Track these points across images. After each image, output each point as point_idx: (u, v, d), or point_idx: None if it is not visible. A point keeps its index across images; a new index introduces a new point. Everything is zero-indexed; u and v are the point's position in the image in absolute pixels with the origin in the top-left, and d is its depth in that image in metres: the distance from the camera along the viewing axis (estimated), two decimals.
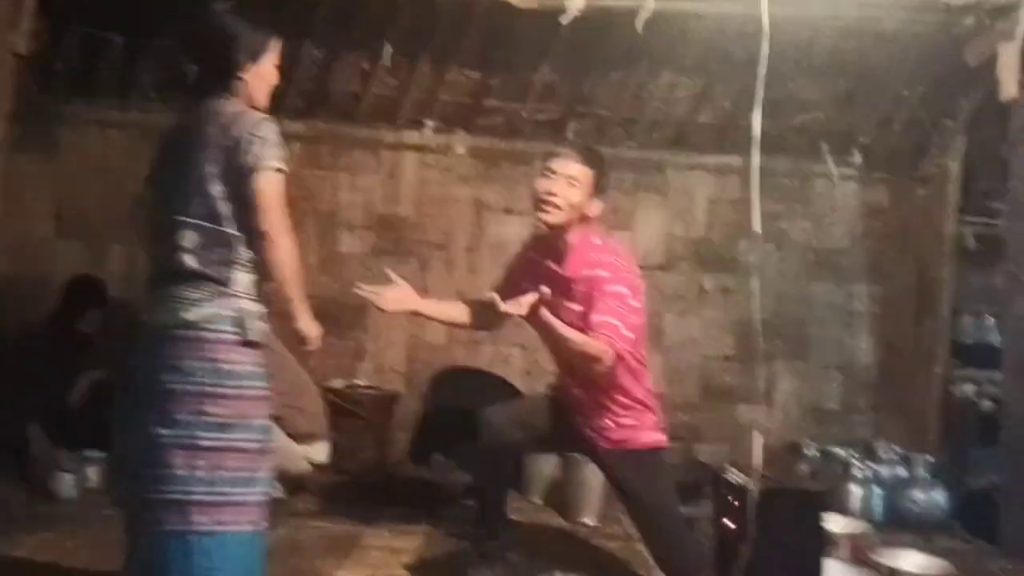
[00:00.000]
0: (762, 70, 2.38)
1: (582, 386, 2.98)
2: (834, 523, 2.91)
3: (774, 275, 5.33)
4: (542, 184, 2.89)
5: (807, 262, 5.40)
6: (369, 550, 3.36)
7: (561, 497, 4.16)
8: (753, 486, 2.35)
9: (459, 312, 3.16)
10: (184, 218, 2.27)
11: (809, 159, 5.36)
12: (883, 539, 3.66)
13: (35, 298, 4.77)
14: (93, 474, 3.87)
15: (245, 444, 2.26)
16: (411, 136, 5.26)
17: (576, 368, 2.91)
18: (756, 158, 2.53)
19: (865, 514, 4.17)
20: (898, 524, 4.29)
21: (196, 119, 2.32)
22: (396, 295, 2.91)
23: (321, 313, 5.30)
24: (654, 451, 3.04)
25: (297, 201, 5.07)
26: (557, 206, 2.87)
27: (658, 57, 4.89)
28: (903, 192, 5.41)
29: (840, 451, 4.64)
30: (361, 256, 5.16)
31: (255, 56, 2.38)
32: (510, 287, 3.09)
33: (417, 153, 5.27)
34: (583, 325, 2.79)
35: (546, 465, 4.28)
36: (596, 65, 4.95)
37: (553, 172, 2.89)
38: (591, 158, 2.94)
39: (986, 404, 4.81)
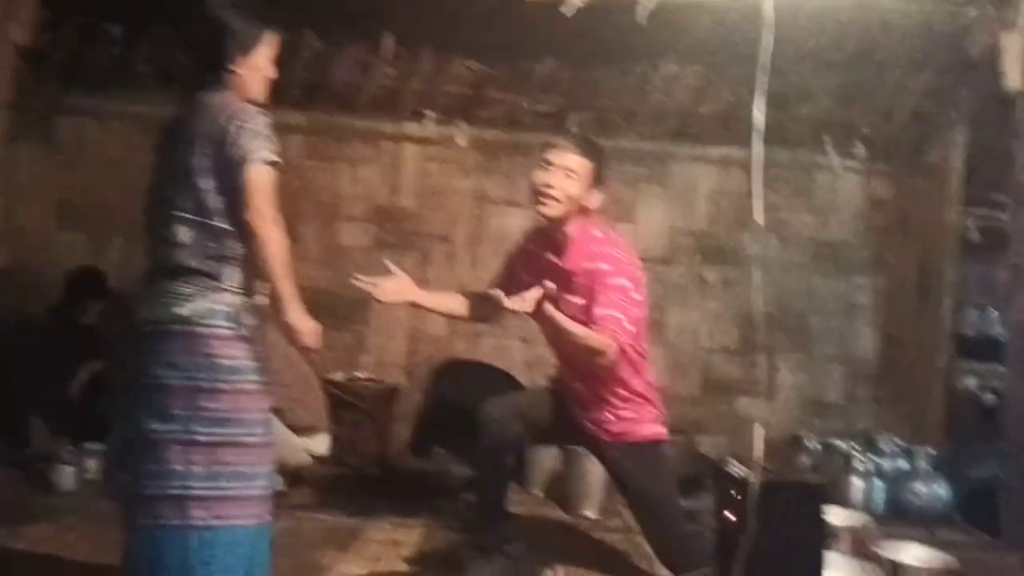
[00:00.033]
0: (764, 61, 2.36)
1: (582, 379, 2.97)
2: (835, 516, 2.90)
3: (776, 267, 5.32)
4: (540, 177, 2.88)
5: (809, 254, 5.39)
6: (369, 543, 3.36)
7: (562, 490, 4.15)
8: (754, 479, 2.34)
9: (457, 304, 3.15)
10: (176, 212, 2.26)
11: (811, 151, 5.34)
12: (884, 532, 3.65)
13: (35, 290, 4.77)
14: (93, 466, 3.87)
15: (243, 439, 2.26)
16: (412, 127, 5.25)
17: (577, 361, 2.90)
18: (758, 150, 2.51)
19: (866, 507, 4.16)
20: (899, 517, 4.29)
21: (188, 112, 2.32)
22: (394, 286, 2.90)
23: (322, 306, 5.29)
24: (654, 443, 3.04)
25: (297, 193, 5.15)
26: (555, 198, 2.85)
27: (660, 48, 4.87)
28: (905, 184, 5.39)
29: (841, 444, 4.63)
30: (362, 248, 5.16)
31: (247, 49, 2.36)
32: (510, 280, 3.08)
33: (418, 145, 5.26)
34: (584, 318, 2.78)
35: (547, 458, 4.28)
36: (598, 56, 4.93)
37: (551, 164, 2.87)
38: (589, 149, 2.92)
39: (988, 397, 4.80)
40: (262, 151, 2.22)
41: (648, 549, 3.15)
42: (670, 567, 3.00)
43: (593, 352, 2.74)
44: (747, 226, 5.22)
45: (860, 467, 4.36)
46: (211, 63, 2.35)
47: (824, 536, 2.53)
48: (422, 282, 3.11)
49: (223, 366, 2.24)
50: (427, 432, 4.77)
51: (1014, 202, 4.12)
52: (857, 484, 4.32)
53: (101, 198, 4.97)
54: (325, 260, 5.13)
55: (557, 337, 2.82)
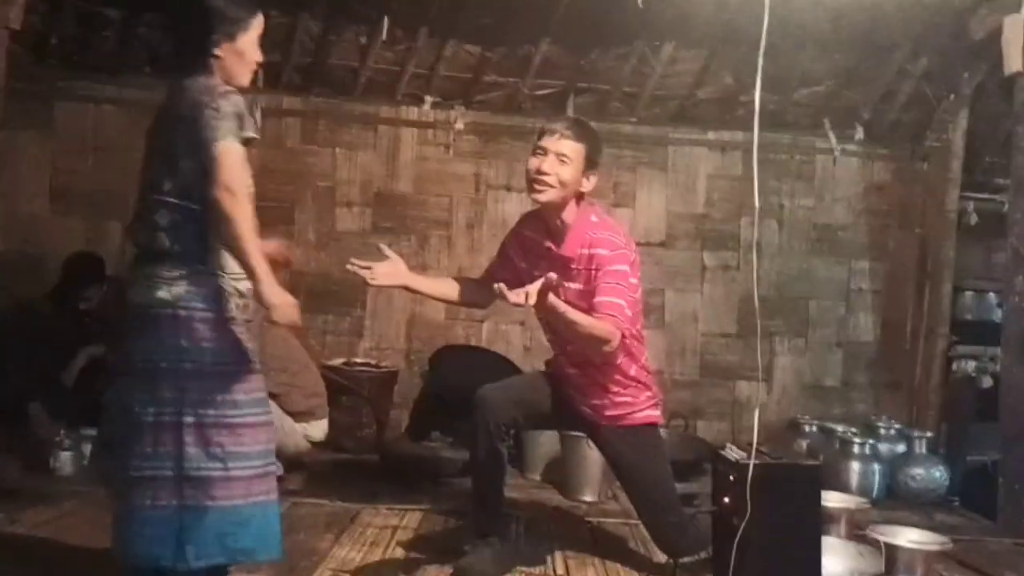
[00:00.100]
0: (763, 44, 2.34)
1: (577, 365, 2.97)
2: (833, 499, 2.91)
3: (775, 252, 5.32)
4: (532, 162, 2.86)
5: (808, 238, 5.38)
6: (366, 527, 3.36)
7: (560, 475, 4.16)
8: (751, 462, 2.34)
9: (450, 288, 3.13)
10: (160, 197, 2.27)
11: (811, 134, 5.33)
12: (882, 515, 3.67)
13: (33, 275, 4.77)
14: (90, 451, 3.87)
15: (233, 420, 2.27)
16: (410, 112, 5.24)
17: (577, 349, 2.90)
18: (757, 133, 2.50)
19: (864, 490, 4.18)
20: (897, 500, 4.31)
21: (171, 97, 2.33)
22: (386, 269, 2.88)
23: (320, 291, 5.36)
24: (650, 427, 3.03)
25: (294, 178, 5.14)
26: (549, 184, 2.83)
27: (659, 31, 4.85)
28: (905, 168, 5.38)
29: (840, 428, 4.64)
30: (360, 233, 5.15)
31: (232, 33, 2.35)
32: (505, 266, 3.07)
33: (416, 129, 5.25)
34: (583, 304, 2.77)
35: (545, 443, 4.28)
36: (597, 39, 4.91)
37: (544, 150, 2.85)
38: (582, 133, 2.89)
39: (986, 380, 4.80)
40: (231, 128, 2.20)
41: (645, 533, 3.15)
42: (667, 551, 3.01)
43: (598, 341, 2.74)
44: (746, 211, 5.22)
45: (858, 451, 4.37)
46: (196, 48, 2.35)
47: (821, 519, 2.54)
48: (420, 267, 3.11)
49: (209, 348, 2.25)
50: (425, 417, 4.76)
51: (1014, 186, 4.10)
52: (855, 468, 4.34)
53: (99, 183, 4.96)
54: (322, 245, 5.13)
55: (559, 326, 2.81)
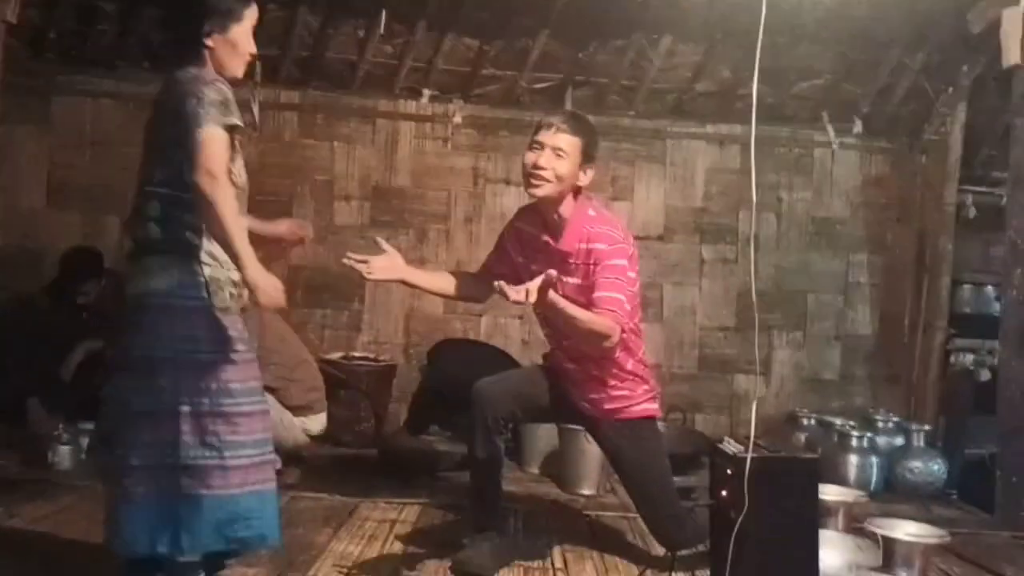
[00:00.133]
0: (761, 37, 2.33)
1: (573, 360, 2.96)
2: (831, 492, 2.91)
3: (773, 245, 5.32)
4: (529, 157, 2.85)
5: (806, 232, 5.38)
6: (365, 521, 3.36)
7: (558, 468, 4.16)
8: (748, 455, 2.34)
9: (447, 282, 3.13)
10: (153, 188, 2.29)
11: (809, 128, 5.32)
12: (880, 508, 3.67)
13: (31, 270, 4.78)
14: (87, 445, 3.87)
15: (228, 408, 2.27)
16: (408, 105, 5.23)
17: (573, 343, 2.89)
18: (755, 127, 2.50)
19: (862, 483, 4.18)
20: (895, 493, 4.32)
21: (163, 89, 2.33)
22: (383, 264, 2.88)
23: (318, 285, 5.36)
24: (647, 421, 3.04)
25: (292, 171, 5.14)
26: (545, 179, 2.83)
27: (657, 25, 4.84)
28: (903, 161, 5.38)
29: (838, 421, 4.64)
30: (358, 227, 5.15)
31: (224, 24, 2.34)
32: (503, 260, 3.06)
33: (414, 122, 5.24)
34: (582, 299, 2.77)
35: (543, 436, 4.29)
36: (595, 33, 4.91)
37: (540, 144, 2.84)
38: (578, 127, 2.88)
39: (984, 374, 4.80)
40: (214, 115, 2.20)
41: (643, 526, 3.16)
42: (665, 544, 3.01)
43: (598, 336, 2.73)
44: (745, 204, 5.22)
45: (856, 444, 4.37)
46: (187, 38, 2.35)
47: (819, 512, 2.54)
48: (418, 261, 3.11)
49: (203, 337, 2.26)
50: (423, 411, 4.76)
51: (1012, 179, 4.10)
52: (853, 461, 4.34)
53: (96, 178, 4.96)
54: (320, 239, 5.12)
55: (558, 322, 2.81)
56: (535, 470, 4.35)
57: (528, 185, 2.86)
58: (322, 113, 5.17)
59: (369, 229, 5.04)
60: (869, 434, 4.46)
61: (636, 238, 3.13)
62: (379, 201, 5.21)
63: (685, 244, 5.33)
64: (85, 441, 3.85)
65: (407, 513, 3.51)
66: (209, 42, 2.34)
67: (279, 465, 2.85)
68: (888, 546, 2.46)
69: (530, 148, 2.86)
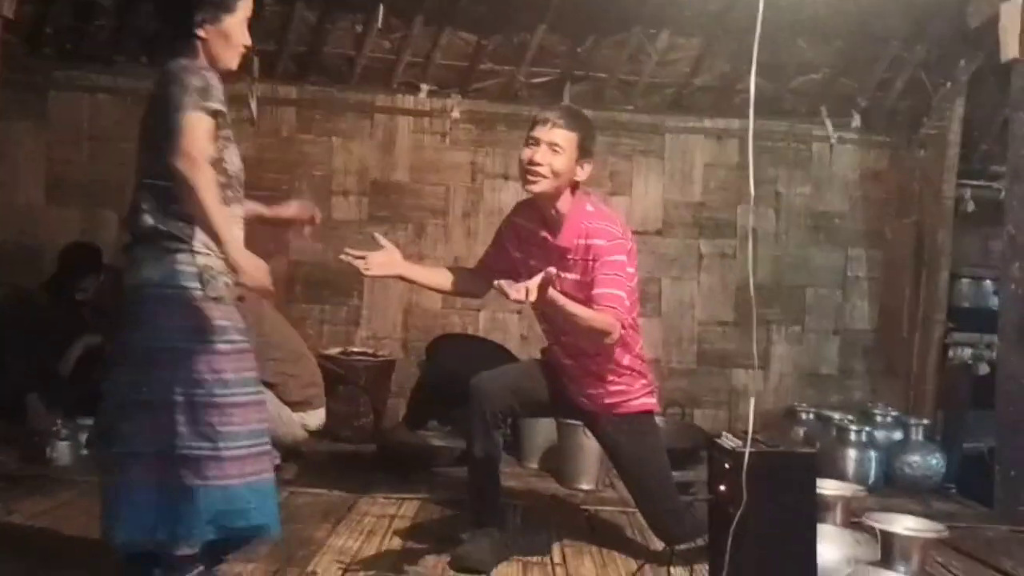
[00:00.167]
0: (759, 32, 2.33)
1: (571, 355, 2.96)
2: (829, 486, 2.91)
3: (771, 240, 5.32)
4: (525, 153, 2.84)
5: (805, 226, 5.38)
6: (363, 516, 3.36)
7: (557, 463, 4.16)
8: (747, 450, 2.35)
9: (445, 278, 3.13)
10: (146, 179, 2.29)
11: (808, 122, 5.32)
12: (878, 502, 3.68)
13: (30, 266, 4.77)
14: (86, 440, 3.87)
15: (223, 399, 2.27)
16: (406, 100, 5.22)
17: (571, 338, 2.89)
18: (753, 121, 2.49)
19: (860, 477, 4.18)
20: (893, 487, 4.32)
21: (156, 82, 2.32)
22: (381, 259, 2.88)
23: (317, 280, 5.35)
24: (645, 415, 3.04)
25: (290, 167, 5.13)
26: (542, 175, 2.82)
27: (655, 19, 4.84)
28: (902, 155, 5.38)
29: (836, 415, 4.64)
30: (356, 222, 5.14)
31: (217, 15, 2.33)
32: (501, 256, 3.06)
33: (412, 117, 5.23)
34: (580, 295, 2.77)
35: (542, 431, 4.29)
36: (593, 27, 4.90)
37: (536, 140, 2.84)
38: (575, 122, 2.87)
39: (982, 368, 4.81)
40: (194, 100, 2.19)
41: (642, 521, 3.16)
42: (664, 538, 3.01)
43: (598, 333, 2.73)
44: (743, 198, 5.22)
45: (854, 438, 4.37)
46: (180, 29, 2.34)
47: (817, 507, 2.54)
48: (416, 256, 3.11)
49: (196, 327, 2.25)
50: (422, 406, 4.76)
51: (1010, 173, 4.10)
52: (851, 455, 4.34)
53: (94, 173, 4.96)
54: (319, 234, 5.10)
55: (557, 319, 2.80)
56: (534, 465, 4.36)
57: (525, 181, 2.86)
58: (320, 108, 5.16)
59: (367, 224, 5.04)
60: (867, 428, 4.46)
61: (634, 233, 3.13)
62: (377, 196, 5.20)
63: (683, 239, 5.33)
64: (84, 437, 3.85)
65: (406, 508, 3.51)
66: (201, 33, 2.32)
67: (278, 460, 2.86)
68: (886, 540, 2.46)
69: (526, 144, 2.85)
